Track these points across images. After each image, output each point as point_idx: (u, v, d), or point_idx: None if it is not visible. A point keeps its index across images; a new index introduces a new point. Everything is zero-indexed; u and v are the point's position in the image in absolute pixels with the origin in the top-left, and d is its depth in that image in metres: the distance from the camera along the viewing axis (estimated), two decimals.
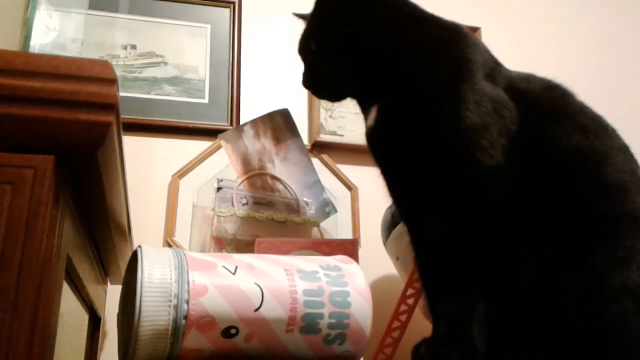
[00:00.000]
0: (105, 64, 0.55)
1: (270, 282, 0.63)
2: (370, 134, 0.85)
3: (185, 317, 0.59)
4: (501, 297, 0.75)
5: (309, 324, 0.64)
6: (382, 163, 0.85)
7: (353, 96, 0.91)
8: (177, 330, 0.58)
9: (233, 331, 0.61)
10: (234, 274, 0.63)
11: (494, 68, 0.83)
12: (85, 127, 0.53)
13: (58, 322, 0.59)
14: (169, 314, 0.58)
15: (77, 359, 0.88)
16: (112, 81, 0.54)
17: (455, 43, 0.83)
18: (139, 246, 0.63)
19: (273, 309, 0.62)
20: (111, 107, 0.54)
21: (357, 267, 0.72)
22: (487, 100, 0.77)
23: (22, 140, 0.52)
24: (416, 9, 0.89)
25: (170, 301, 0.58)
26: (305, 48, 0.91)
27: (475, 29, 1.61)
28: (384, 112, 0.83)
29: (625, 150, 0.81)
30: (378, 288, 1.29)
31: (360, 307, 0.66)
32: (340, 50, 0.86)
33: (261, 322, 0.62)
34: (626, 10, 1.87)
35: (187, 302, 0.59)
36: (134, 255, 0.64)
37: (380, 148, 0.84)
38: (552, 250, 0.73)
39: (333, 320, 0.65)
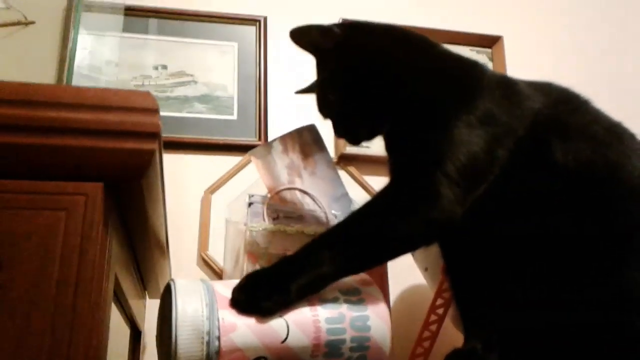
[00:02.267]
0: (147, 95, 0.59)
1: (295, 315, 0.67)
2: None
3: (217, 352, 0.63)
4: (527, 312, 0.76)
5: (332, 350, 0.68)
6: None
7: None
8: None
9: None
10: None
11: (506, 93, 0.83)
12: (131, 155, 0.57)
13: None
14: (202, 350, 0.63)
15: None
16: (155, 111, 0.58)
17: (463, 73, 0.87)
18: (172, 280, 0.67)
19: (298, 339, 0.66)
20: (154, 135, 0.57)
21: (376, 289, 0.75)
22: (489, 119, 0.79)
23: (74, 169, 0.56)
24: (426, 42, 0.92)
25: (203, 338, 0.63)
26: (325, 103, 0.94)
27: (497, 38, 1.63)
28: (387, 137, 0.88)
29: None
30: (408, 298, 1.31)
31: (380, 329, 0.70)
32: (357, 89, 0.88)
33: (288, 351, 0.66)
34: None
35: (218, 338, 0.63)
36: (168, 289, 0.67)
37: None
38: (576, 262, 0.74)
39: (354, 344, 0.69)
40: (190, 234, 1.29)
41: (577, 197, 0.76)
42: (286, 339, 0.66)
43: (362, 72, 0.87)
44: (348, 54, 0.89)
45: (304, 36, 0.91)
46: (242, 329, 0.64)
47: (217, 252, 1.25)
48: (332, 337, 0.68)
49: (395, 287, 1.29)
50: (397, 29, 0.93)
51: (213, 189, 1.32)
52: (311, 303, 0.70)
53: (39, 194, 0.54)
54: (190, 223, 1.30)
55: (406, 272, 1.21)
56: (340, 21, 1.53)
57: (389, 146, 0.88)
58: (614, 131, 0.83)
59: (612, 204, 0.76)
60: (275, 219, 1.11)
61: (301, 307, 0.69)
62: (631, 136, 0.84)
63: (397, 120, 0.85)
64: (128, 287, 0.81)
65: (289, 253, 1.03)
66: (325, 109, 0.95)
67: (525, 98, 0.83)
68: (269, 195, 1.14)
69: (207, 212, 1.29)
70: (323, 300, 0.71)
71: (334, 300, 0.71)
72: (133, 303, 0.89)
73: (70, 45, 1.30)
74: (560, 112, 0.82)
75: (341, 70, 0.90)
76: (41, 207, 0.53)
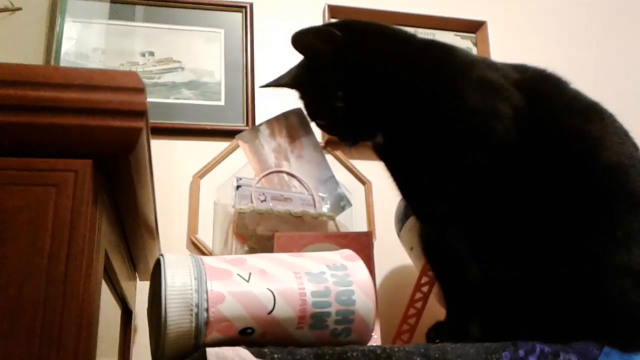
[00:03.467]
0: (134, 75, 0.61)
1: (281, 287, 0.69)
2: (378, 148, 0.92)
3: (206, 323, 0.65)
4: (504, 279, 0.79)
5: (317, 322, 0.70)
6: (392, 170, 0.91)
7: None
8: (199, 333, 0.65)
9: (249, 331, 0.67)
10: (247, 281, 0.69)
11: (489, 65, 0.87)
12: (119, 133, 0.58)
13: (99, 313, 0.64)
14: (191, 321, 0.64)
15: (112, 350, 0.94)
16: (141, 90, 0.60)
17: (446, 54, 0.89)
18: (161, 255, 0.69)
19: (284, 311, 0.68)
20: (141, 113, 0.59)
21: (361, 264, 0.77)
22: (487, 83, 0.82)
23: (64, 146, 0.57)
24: (411, 37, 0.93)
25: (191, 310, 0.65)
26: (327, 109, 0.92)
27: (481, 23, 1.64)
28: (389, 131, 0.89)
29: (622, 134, 0.84)
30: (394, 278, 1.34)
31: (364, 304, 0.72)
32: (366, 94, 0.88)
33: (274, 322, 0.68)
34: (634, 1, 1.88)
35: (207, 310, 0.65)
36: (157, 263, 0.69)
37: (389, 160, 0.91)
38: (554, 231, 0.77)
39: (339, 317, 0.71)
40: (179, 218, 1.30)
41: (563, 165, 0.79)
42: (272, 310, 0.68)
43: (364, 74, 0.87)
44: (350, 56, 0.88)
45: (303, 40, 0.91)
46: (230, 300, 0.66)
47: (206, 236, 1.27)
48: (318, 310, 0.70)
49: (382, 267, 1.32)
50: (384, 26, 0.94)
51: (202, 174, 1.33)
52: (298, 277, 0.72)
53: (29, 171, 0.56)
54: (180, 207, 1.31)
55: (392, 252, 1.23)
56: (326, 8, 1.55)
57: (400, 143, 0.88)
58: (594, 109, 0.86)
59: (592, 178, 0.79)
60: (263, 201, 1.13)
61: (287, 279, 0.71)
62: (609, 115, 0.86)
63: (403, 116, 0.85)
64: (119, 267, 0.82)
65: (277, 233, 1.06)
66: (324, 114, 0.94)
67: (505, 71, 0.86)
68: (256, 178, 1.15)
69: (196, 196, 1.31)
70: (310, 275, 0.73)
71: (321, 274, 0.73)
72: (124, 283, 0.91)
73: (57, 30, 1.30)
74: (542, 89, 0.85)
75: (344, 73, 0.89)
76: (32, 183, 0.55)
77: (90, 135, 0.58)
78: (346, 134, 0.93)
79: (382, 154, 0.92)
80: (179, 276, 0.67)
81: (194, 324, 0.65)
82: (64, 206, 0.55)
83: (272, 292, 0.69)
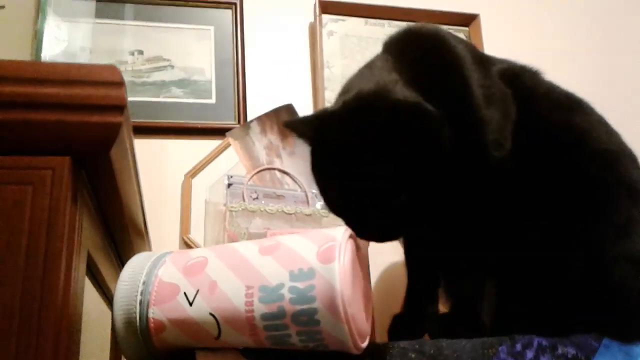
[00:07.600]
0: (113, 68, 0.59)
1: (226, 311, 0.61)
2: None
3: (154, 346, 0.66)
4: (508, 271, 0.78)
5: (278, 342, 0.62)
6: None
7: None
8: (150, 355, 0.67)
9: None
10: (191, 304, 0.63)
11: (482, 57, 0.85)
12: (98, 129, 0.56)
13: (82, 315, 0.63)
14: (139, 345, 0.66)
15: (103, 353, 0.92)
16: (120, 84, 0.58)
17: (439, 53, 0.79)
18: (126, 264, 0.71)
19: (233, 336, 0.63)
20: (120, 108, 0.57)
21: (335, 268, 0.61)
22: (494, 87, 0.79)
23: (40, 143, 0.55)
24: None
25: (138, 336, 0.65)
26: (379, 203, 0.70)
27: (474, 16, 1.62)
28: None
29: (604, 122, 0.84)
30: (388, 275, 1.32)
31: (331, 324, 0.60)
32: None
33: (225, 345, 0.64)
34: None
35: (151, 337, 0.65)
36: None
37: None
38: (555, 221, 0.75)
39: (303, 337, 0.61)
40: (171, 218, 1.28)
41: (559, 156, 0.77)
42: (219, 336, 0.63)
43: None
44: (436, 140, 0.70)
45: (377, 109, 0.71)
46: (171, 329, 0.64)
47: (199, 236, 1.25)
48: (274, 333, 0.61)
49: (380, 261, 1.30)
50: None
51: (193, 173, 1.31)
52: (249, 295, 0.62)
53: (4, 169, 0.54)
54: (172, 207, 1.29)
55: (386, 248, 1.21)
56: (317, 3, 1.52)
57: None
58: (573, 100, 0.85)
59: (586, 169, 0.77)
60: (254, 199, 1.11)
61: (235, 300, 0.62)
62: (587, 105, 0.86)
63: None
64: (106, 268, 0.80)
65: (270, 231, 1.04)
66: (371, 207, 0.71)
67: (491, 61, 0.84)
68: (248, 176, 1.14)
69: (188, 196, 1.29)
70: (264, 290, 0.61)
71: (278, 288, 0.61)
72: (113, 286, 0.89)
73: (38, 27, 1.28)
74: (522, 80, 0.84)
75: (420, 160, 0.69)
76: (7, 182, 0.53)
77: (68, 131, 0.56)
78: (393, 233, 0.76)
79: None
80: (122, 301, 0.66)
81: (143, 347, 0.66)
82: (40, 205, 0.53)
83: (215, 318, 0.62)
